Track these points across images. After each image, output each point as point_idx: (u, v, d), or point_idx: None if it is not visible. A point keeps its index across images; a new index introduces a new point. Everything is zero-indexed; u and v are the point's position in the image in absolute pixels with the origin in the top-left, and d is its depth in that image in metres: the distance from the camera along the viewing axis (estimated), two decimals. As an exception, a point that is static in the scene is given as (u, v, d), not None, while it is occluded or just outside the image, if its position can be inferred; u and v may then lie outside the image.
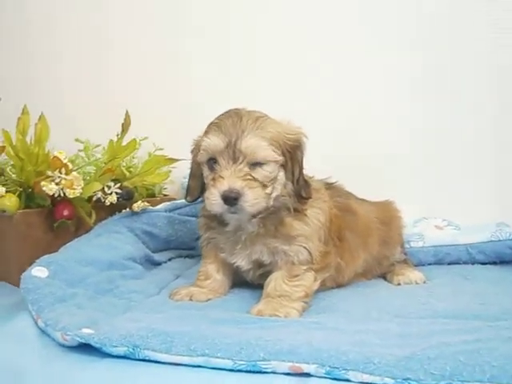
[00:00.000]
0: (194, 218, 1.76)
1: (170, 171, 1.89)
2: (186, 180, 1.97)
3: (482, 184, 1.98)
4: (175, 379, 0.96)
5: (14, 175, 1.58)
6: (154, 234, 1.69)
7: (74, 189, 1.48)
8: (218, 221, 1.34)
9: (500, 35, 1.92)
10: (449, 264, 1.75)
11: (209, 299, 1.36)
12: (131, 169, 1.78)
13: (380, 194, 1.71)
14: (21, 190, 1.54)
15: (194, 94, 2.14)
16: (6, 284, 1.58)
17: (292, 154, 1.29)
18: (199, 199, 1.42)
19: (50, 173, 1.48)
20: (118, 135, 1.63)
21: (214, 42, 2.13)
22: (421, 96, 2.00)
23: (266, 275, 1.35)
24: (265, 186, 1.23)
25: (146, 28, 2.18)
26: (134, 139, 1.66)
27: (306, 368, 0.95)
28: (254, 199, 1.20)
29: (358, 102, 2.03)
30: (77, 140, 1.84)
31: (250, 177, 1.21)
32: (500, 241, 1.70)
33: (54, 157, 1.47)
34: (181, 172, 1.99)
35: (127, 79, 2.20)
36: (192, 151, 1.38)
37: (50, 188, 1.45)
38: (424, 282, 1.57)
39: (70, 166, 1.50)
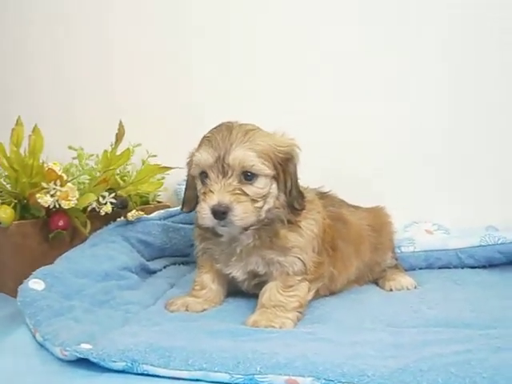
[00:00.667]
0: (188, 226, 1.78)
1: (164, 178, 1.91)
2: (180, 187, 2.01)
3: (471, 187, 2.00)
4: (174, 393, 0.99)
5: (8, 186, 1.59)
6: (149, 243, 1.70)
7: (69, 200, 1.50)
8: (212, 232, 1.35)
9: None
10: (439, 268, 1.77)
11: (204, 309, 1.37)
12: (125, 177, 1.79)
13: (370, 199, 1.74)
14: (15, 201, 1.55)
15: (188, 101, 2.14)
16: (1, 294, 1.59)
17: (284, 166, 1.30)
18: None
19: (44, 184, 1.50)
20: (111, 145, 1.64)
21: (214, 44, 2.12)
22: (408, 105, 2.02)
23: (260, 285, 1.36)
24: (254, 201, 1.24)
25: (146, 29, 2.17)
26: (128, 149, 1.67)
27: (301, 381, 0.98)
28: (243, 213, 1.21)
29: (350, 108, 2.04)
30: (70, 148, 1.85)
31: (239, 191, 1.22)
32: (489, 245, 1.72)
33: (49, 168, 1.48)
34: (174, 178, 2.01)
35: (119, 85, 2.20)
36: (187, 164, 1.39)
37: (45, 200, 1.47)
38: (415, 288, 1.59)
39: (65, 177, 1.51)
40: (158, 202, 1.96)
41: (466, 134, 1.99)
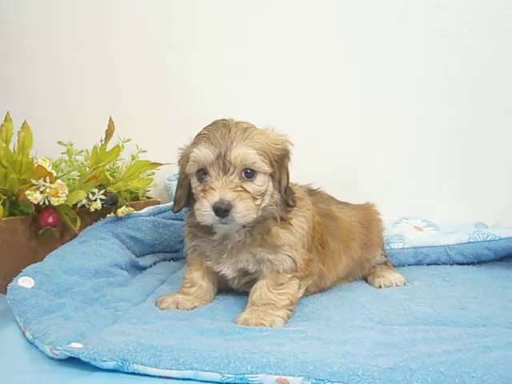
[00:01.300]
0: (177, 222, 1.78)
1: (154, 173, 1.90)
2: (170, 182, 2.01)
3: (460, 184, 2.01)
4: (165, 392, 0.99)
5: (-3, 183, 1.58)
6: (139, 239, 1.70)
7: (59, 197, 1.49)
8: (204, 230, 1.35)
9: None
10: (428, 265, 1.78)
11: (195, 307, 1.37)
12: (115, 173, 1.79)
13: (359, 195, 1.75)
14: (4, 197, 1.54)
15: (178, 97, 2.13)
16: (-11, 291, 1.58)
17: (280, 163, 1.31)
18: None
19: (34, 181, 1.49)
20: (101, 141, 1.63)
21: (206, 42, 2.11)
22: (399, 104, 2.03)
23: (250, 283, 1.37)
24: (254, 198, 1.25)
25: (138, 26, 2.15)
26: (118, 145, 1.67)
27: (292, 380, 0.98)
28: (245, 210, 1.21)
29: (338, 104, 2.05)
30: (59, 143, 1.84)
31: (240, 188, 1.23)
32: (478, 242, 1.72)
33: (39, 165, 1.47)
34: (164, 174, 2.02)
35: (108, 81, 2.18)
36: (179, 161, 1.38)
37: (34, 197, 1.46)
38: (404, 284, 1.60)
39: (55, 173, 1.50)
40: (148, 197, 1.95)
41: (456, 130, 2.01)
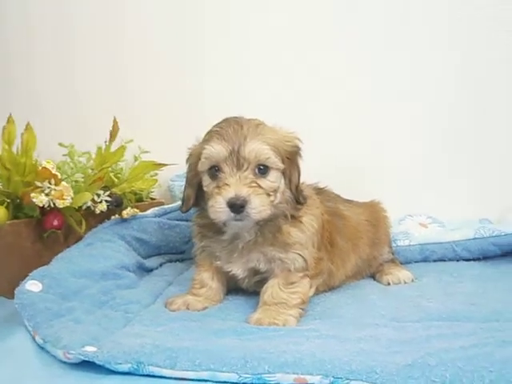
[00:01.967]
0: (183, 222, 1.77)
1: (157, 174, 1.89)
2: (173, 183, 2.00)
3: (463, 180, 2.01)
4: (181, 393, 0.98)
5: (0, 186, 1.56)
6: (145, 240, 1.69)
7: (64, 199, 1.48)
8: (214, 229, 1.34)
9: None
10: (434, 261, 1.78)
11: (205, 307, 1.36)
12: (118, 174, 1.77)
13: (363, 192, 1.74)
14: (8, 200, 1.53)
15: (179, 97, 2.13)
16: (-5, 295, 1.56)
17: (291, 159, 1.31)
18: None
19: (38, 183, 1.47)
20: (106, 142, 1.62)
21: (208, 43, 2.11)
22: (404, 102, 2.02)
23: (261, 282, 1.36)
24: (268, 195, 1.24)
25: (140, 27, 2.14)
26: (122, 146, 1.65)
27: (310, 379, 0.97)
28: (260, 206, 1.20)
29: (339, 104, 2.05)
30: (60, 144, 1.82)
31: (255, 184, 1.22)
32: (484, 238, 1.72)
33: (43, 167, 1.45)
34: (167, 175, 2.01)
35: (109, 82, 2.17)
36: (188, 160, 1.36)
37: (40, 200, 1.44)
38: (412, 281, 1.60)
39: (59, 175, 1.48)
40: (152, 198, 1.93)
41: (459, 126, 2.00)
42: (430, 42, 1.98)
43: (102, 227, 1.62)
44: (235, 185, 1.20)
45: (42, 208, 1.51)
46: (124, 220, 1.65)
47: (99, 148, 1.61)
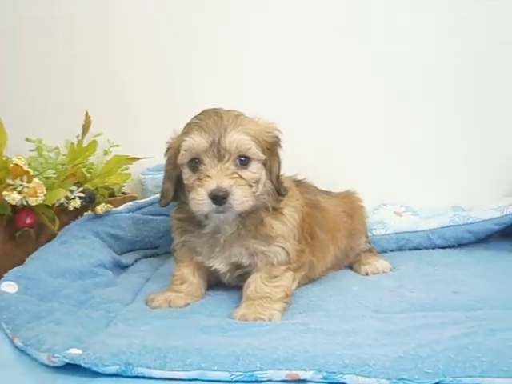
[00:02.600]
0: (157, 217, 1.75)
1: (128, 168, 1.85)
2: (144, 176, 1.96)
3: (434, 168, 2.03)
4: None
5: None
6: (119, 236, 1.66)
7: (37, 196, 1.42)
8: (194, 223, 1.32)
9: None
10: (410, 250, 1.79)
11: (187, 304, 1.34)
12: (90, 169, 1.73)
13: (337, 182, 1.74)
14: (-22, 199, 1.47)
15: (149, 89, 2.07)
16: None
17: (271, 150, 1.29)
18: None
19: (10, 181, 1.42)
20: (78, 136, 1.57)
21: (182, 34, 2.06)
22: (380, 84, 2.03)
23: (242, 276, 1.34)
24: (250, 186, 1.23)
25: (108, 17, 2.08)
26: (94, 140, 1.61)
27: (302, 374, 0.97)
28: (243, 197, 1.19)
29: (323, 97, 2.04)
30: (27, 140, 1.76)
31: (236, 175, 1.20)
32: (459, 225, 1.75)
33: (15, 164, 1.40)
34: (138, 169, 1.96)
35: (78, 74, 2.10)
36: (167, 153, 1.33)
37: (12, 198, 1.39)
38: (390, 270, 1.61)
39: (31, 172, 1.43)
40: (124, 193, 1.89)
41: (437, 115, 2.02)
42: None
43: (75, 224, 1.58)
44: (217, 176, 1.18)
45: (14, 206, 1.45)
46: (97, 216, 1.61)
47: (72, 143, 1.56)
